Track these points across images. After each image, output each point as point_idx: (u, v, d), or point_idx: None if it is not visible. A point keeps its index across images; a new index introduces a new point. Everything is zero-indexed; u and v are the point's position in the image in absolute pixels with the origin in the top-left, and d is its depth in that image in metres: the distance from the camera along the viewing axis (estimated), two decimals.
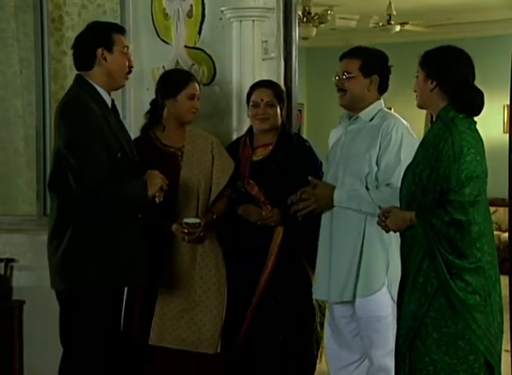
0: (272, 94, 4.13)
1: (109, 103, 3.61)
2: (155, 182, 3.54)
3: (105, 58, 3.55)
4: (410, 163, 3.31)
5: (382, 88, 3.84)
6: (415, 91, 3.34)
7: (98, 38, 3.57)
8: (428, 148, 3.21)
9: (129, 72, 3.66)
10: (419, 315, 3.17)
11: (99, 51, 3.55)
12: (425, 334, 3.16)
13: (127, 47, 3.63)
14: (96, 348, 3.51)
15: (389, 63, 3.84)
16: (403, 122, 3.78)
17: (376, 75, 3.78)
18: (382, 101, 3.85)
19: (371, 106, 3.80)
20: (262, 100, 4.12)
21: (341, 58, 3.85)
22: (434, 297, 3.14)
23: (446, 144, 3.13)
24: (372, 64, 3.79)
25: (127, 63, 3.62)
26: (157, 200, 3.55)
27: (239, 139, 4.29)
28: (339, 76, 3.80)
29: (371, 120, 3.78)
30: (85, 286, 3.48)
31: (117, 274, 3.51)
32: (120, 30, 3.67)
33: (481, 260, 3.14)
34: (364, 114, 3.80)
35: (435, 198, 3.14)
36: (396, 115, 3.83)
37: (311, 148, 4.22)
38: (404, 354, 3.24)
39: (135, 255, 3.56)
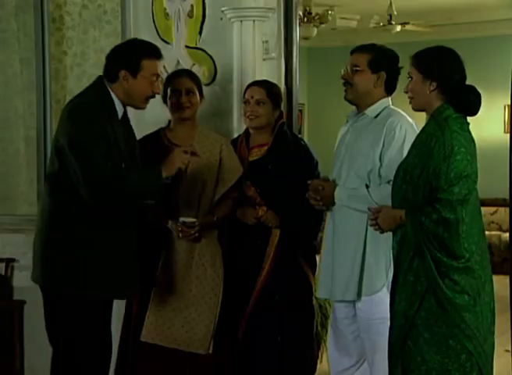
0: (264, 92, 4.10)
1: (120, 114, 3.59)
2: (175, 160, 3.59)
3: (127, 81, 3.53)
4: (402, 162, 3.32)
5: (390, 87, 3.82)
6: (406, 93, 3.34)
7: (125, 60, 3.54)
8: (421, 147, 3.22)
9: (153, 97, 3.64)
10: (410, 314, 3.18)
11: (122, 72, 3.52)
12: (416, 334, 3.17)
13: (157, 75, 3.58)
14: (82, 347, 3.50)
15: (400, 65, 3.83)
16: (409, 119, 3.77)
17: (384, 72, 3.77)
18: (389, 99, 3.84)
19: (378, 103, 3.79)
20: (252, 97, 4.10)
21: (352, 53, 3.84)
22: (424, 297, 3.15)
23: (437, 142, 3.15)
24: (381, 60, 3.78)
25: (151, 89, 3.58)
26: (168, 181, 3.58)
27: (236, 139, 4.27)
28: (346, 69, 3.81)
29: (376, 117, 3.78)
30: (63, 288, 3.47)
31: (103, 283, 3.49)
32: (155, 55, 3.59)
33: (470, 260, 3.14)
34: (370, 110, 3.79)
35: (425, 196, 3.15)
36: (403, 112, 3.81)
37: (307, 146, 4.19)
38: (397, 354, 3.25)
39: (127, 265, 3.55)
